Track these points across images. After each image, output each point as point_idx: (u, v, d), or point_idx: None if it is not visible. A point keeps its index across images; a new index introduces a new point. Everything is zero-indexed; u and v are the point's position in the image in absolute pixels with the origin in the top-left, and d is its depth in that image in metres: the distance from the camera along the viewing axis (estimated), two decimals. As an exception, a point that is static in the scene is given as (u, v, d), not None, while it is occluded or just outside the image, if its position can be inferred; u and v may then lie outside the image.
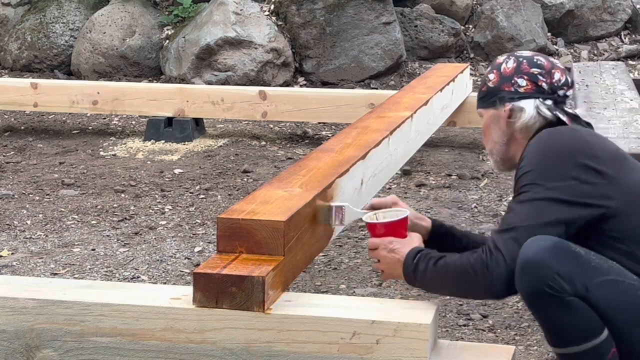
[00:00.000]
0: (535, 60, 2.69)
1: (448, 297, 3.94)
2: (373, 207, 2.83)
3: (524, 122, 2.65)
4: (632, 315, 2.39)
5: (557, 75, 2.67)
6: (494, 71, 2.73)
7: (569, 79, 2.70)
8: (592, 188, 2.46)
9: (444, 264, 2.52)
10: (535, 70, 2.66)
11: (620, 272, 2.42)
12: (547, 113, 2.64)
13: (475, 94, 6.85)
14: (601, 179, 2.47)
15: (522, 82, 2.67)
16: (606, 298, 2.37)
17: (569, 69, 8.76)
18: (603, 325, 2.37)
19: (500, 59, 2.76)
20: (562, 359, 2.46)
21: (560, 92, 2.67)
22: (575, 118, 2.69)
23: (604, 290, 2.37)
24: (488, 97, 2.73)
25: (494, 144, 2.73)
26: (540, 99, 2.65)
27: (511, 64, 2.70)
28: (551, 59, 2.73)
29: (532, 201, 2.46)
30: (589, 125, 2.72)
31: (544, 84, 2.65)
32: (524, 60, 2.69)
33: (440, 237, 2.86)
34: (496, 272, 2.42)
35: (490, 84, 2.73)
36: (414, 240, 2.66)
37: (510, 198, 2.74)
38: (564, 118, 2.65)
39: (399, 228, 2.68)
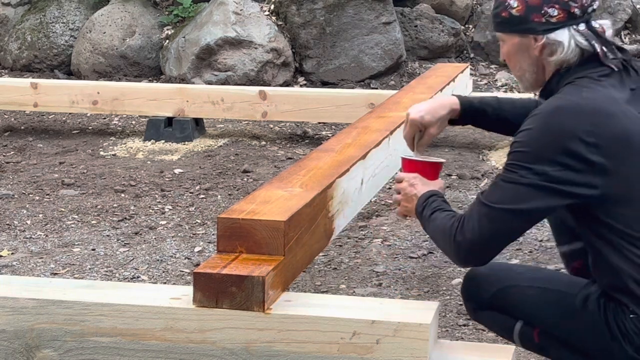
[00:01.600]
0: None
1: (448, 297, 3.94)
2: None
3: (562, 57, 2.53)
4: (531, 310, 2.65)
5: None
6: None
7: None
8: (578, 176, 2.42)
9: (433, 219, 2.63)
10: None
11: (518, 278, 2.68)
12: (583, 42, 2.51)
13: (476, 94, 6.87)
14: (589, 167, 2.42)
15: (554, 11, 2.51)
16: (507, 302, 2.66)
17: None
18: (514, 319, 2.66)
19: None
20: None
21: (590, 10, 2.53)
22: (606, 43, 2.55)
23: (505, 295, 2.66)
24: (512, 24, 2.57)
25: (524, 72, 2.63)
26: (574, 26, 2.51)
27: None
28: None
29: (516, 184, 2.45)
30: (621, 50, 2.58)
31: (576, 10, 2.51)
32: None
33: (472, 114, 2.94)
34: (461, 243, 2.51)
35: (514, 12, 2.55)
36: (435, 184, 2.75)
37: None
38: (598, 48, 2.51)
39: (429, 171, 2.76)
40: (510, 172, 2.46)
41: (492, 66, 8.76)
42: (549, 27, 2.51)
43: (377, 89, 8.04)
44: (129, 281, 4.14)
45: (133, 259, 4.45)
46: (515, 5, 2.55)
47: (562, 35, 2.51)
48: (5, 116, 7.62)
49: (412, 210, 2.73)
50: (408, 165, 2.79)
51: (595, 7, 2.55)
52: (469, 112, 2.92)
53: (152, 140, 6.75)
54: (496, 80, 8.39)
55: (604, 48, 2.53)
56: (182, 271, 4.29)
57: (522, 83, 2.68)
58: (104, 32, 8.65)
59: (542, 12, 2.51)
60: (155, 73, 8.65)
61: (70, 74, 8.84)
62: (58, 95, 6.91)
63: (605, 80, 2.52)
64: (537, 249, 4.52)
